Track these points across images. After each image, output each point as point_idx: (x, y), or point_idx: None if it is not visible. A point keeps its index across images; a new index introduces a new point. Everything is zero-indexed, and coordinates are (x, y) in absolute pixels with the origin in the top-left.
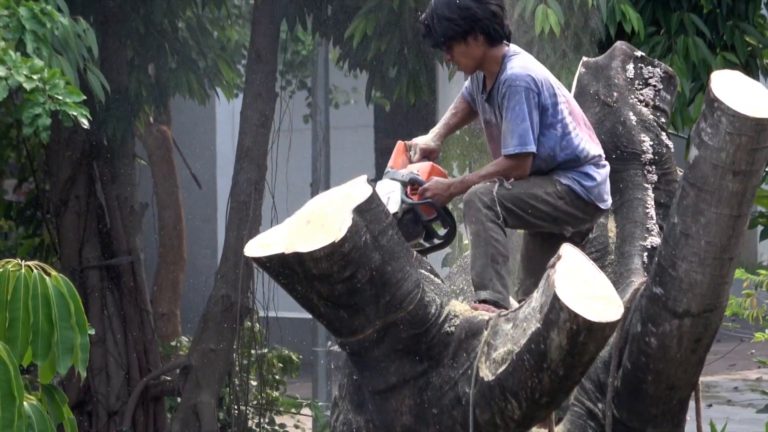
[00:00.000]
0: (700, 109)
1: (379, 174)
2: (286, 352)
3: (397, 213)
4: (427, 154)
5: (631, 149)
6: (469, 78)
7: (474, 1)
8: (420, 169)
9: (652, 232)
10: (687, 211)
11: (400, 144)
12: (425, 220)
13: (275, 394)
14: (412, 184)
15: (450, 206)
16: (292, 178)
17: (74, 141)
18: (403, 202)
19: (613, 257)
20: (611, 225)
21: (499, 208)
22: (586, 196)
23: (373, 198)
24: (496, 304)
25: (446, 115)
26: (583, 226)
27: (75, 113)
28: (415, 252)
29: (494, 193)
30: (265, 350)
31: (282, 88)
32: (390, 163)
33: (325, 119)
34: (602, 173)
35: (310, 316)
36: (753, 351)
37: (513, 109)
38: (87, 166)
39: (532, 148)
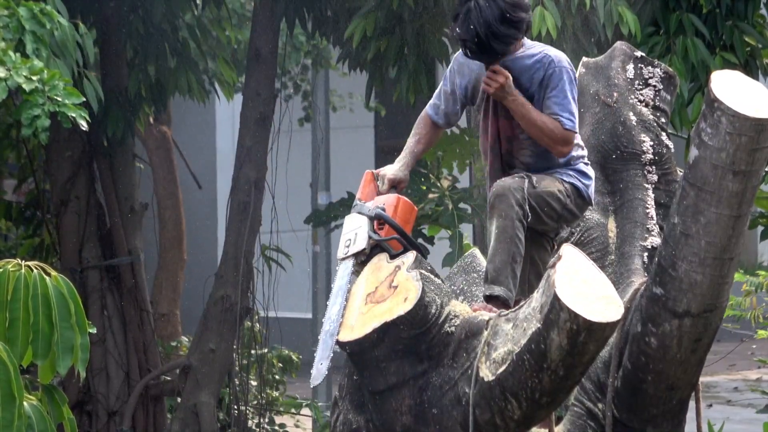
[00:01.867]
0: (698, 110)
1: None
2: (286, 352)
3: (365, 249)
4: (395, 184)
5: (631, 149)
6: (450, 75)
7: (522, 10)
8: (386, 202)
9: (653, 233)
10: (687, 211)
11: (367, 174)
12: (392, 254)
13: (275, 394)
14: (378, 219)
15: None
16: (292, 178)
17: (74, 141)
18: (370, 237)
19: (613, 257)
20: (611, 225)
21: (527, 207)
22: (586, 194)
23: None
24: (506, 303)
25: (410, 143)
26: (575, 223)
27: (74, 114)
28: (416, 254)
29: (525, 191)
30: (265, 350)
31: (283, 87)
32: (358, 194)
33: (325, 120)
34: (592, 171)
35: (310, 316)
36: (754, 346)
37: (563, 89)
38: (87, 166)
39: (578, 135)
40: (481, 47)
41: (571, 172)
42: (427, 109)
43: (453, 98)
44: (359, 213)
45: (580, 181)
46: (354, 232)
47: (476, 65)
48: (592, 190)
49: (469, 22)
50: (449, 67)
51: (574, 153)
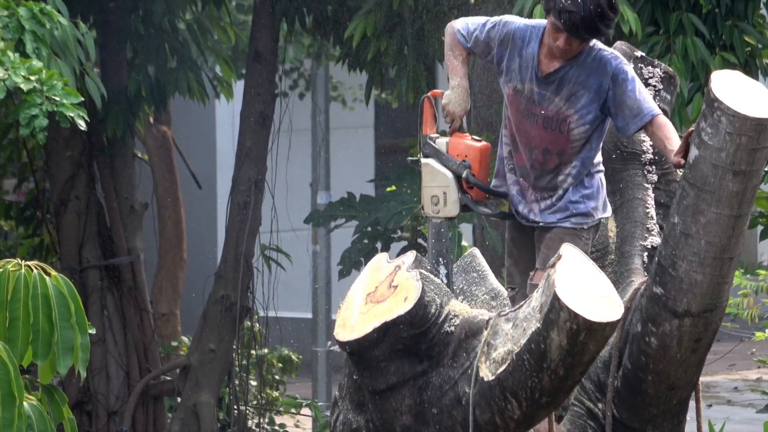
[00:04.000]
0: (698, 109)
1: (377, 174)
2: (286, 352)
3: (459, 214)
4: (460, 117)
5: (631, 149)
6: (495, 35)
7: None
8: (469, 155)
9: (653, 232)
10: (687, 211)
11: (426, 100)
12: (477, 207)
13: (275, 394)
14: (465, 179)
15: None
16: (292, 178)
17: (74, 141)
18: (460, 200)
19: (613, 257)
20: (611, 225)
21: None
22: (600, 218)
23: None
24: None
25: (456, 65)
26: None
27: (72, 114)
28: (416, 254)
29: None
30: (265, 350)
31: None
32: (425, 127)
33: (325, 119)
34: (603, 178)
35: (310, 316)
36: (754, 350)
37: (637, 89)
38: (87, 166)
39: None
40: (586, 24)
41: (587, 207)
42: (459, 34)
43: (485, 50)
44: (443, 165)
45: (594, 212)
46: (442, 190)
47: (530, 51)
48: (602, 202)
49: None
50: (494, 26)
51: (595, 164)
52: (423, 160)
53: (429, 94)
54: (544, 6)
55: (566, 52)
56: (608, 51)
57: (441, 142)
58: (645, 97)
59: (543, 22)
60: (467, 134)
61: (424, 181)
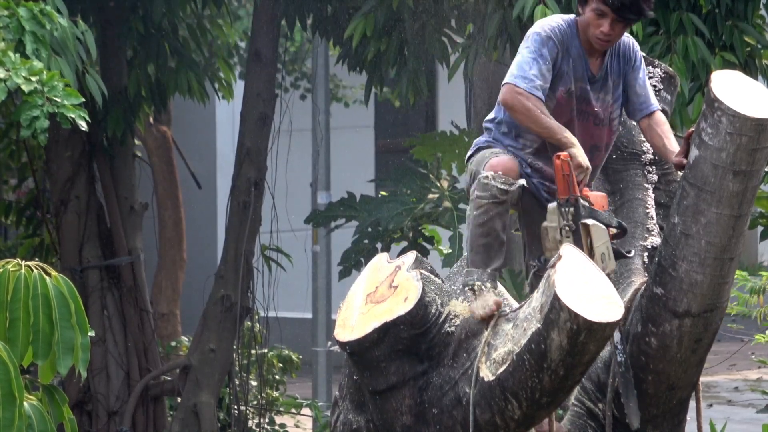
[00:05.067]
0: (699, 109)
1: (377, 174)
2: (286, 352)
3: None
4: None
5: (632, 149)
6: (548, 51)
7: None
8: (606, 205)
9: (653, 232)
10: (687, 211)
11: (563, 164)
12: (619, 247)
13: (275, 394)
14: (618, 228)
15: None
16: (292, 178)
17: (74, 141)
18: (615, 255)
19: None
20: None
21: None
22: None
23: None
24: None
25: (555, 123)
26: None
27: (73, 115)
28: (416, 254)
29: None
30: (265, 350)
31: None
32: (570, 188)
33: (325, 119)
34: None
35: (310, 316)
36: (753, 353)
37: (646, 77)
38: (87, 166)
39: None
40: (633, 4)
41: None
42: (532, 92)
43: (549, 75)
44: (601, 222)
45: None
46: (606, 246)
47: (575, 51)
48: None
49: None
50: (542, 53)
51: None
52: (588, 221)
53: (562, 156)
54: None
55: (609, 39)
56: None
57: (582, 201)
58: (650, 88)
59: (567, 16)
60: (586, 186)
61: (595, 241)
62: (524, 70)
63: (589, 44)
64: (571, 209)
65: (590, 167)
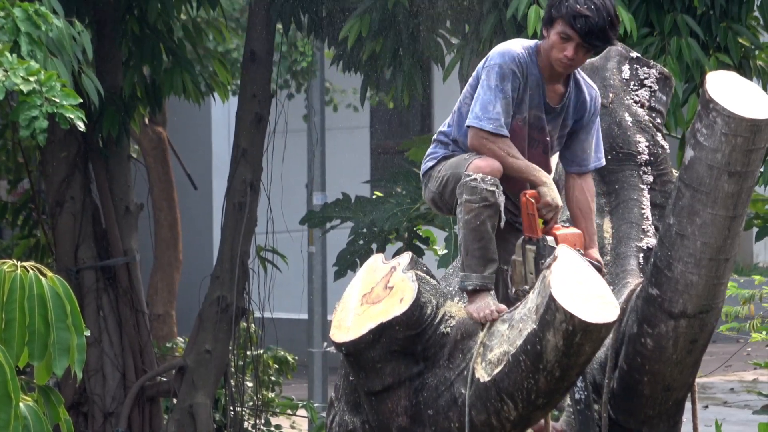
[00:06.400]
0: (693, 110)
1: (372, 175)
2: (282, 352)
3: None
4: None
5: (627, 150)
6: (509, 81)
7: None
8: (579, 243)
9: (648, 233)
10: (682, 212)
11: (529, 203)
12: None
13: (271, 395)
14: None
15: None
16: (287, 179)
17: (69, 142)
18: None
19: (608, 258)
20: (607, 226)
21: None
22: None
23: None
24: None
25: (524, 162)
26: None
27: (72, 116)
28: (411, 255)
29: None
30: (261, 351)
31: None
32: (532, 229)
33: (321, 120)
34: None
35: (305, 317)
36: (749, 349)
37: (598, 131)
38: (82, 166)
39: None
40: (600, 30)
41: None
42: (497, 131)
43: (510, 110)
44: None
45: None
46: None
47: (534, 79)
48: None
49: (598, 5)
50: (501, 75)
51: None
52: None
53: (528, 194)
54: (552, 15)
55: (572, 64)
56: (588, 78)
57: (550, 240)
58: (598, 144)
59: (528, 42)
60: (558, 224)
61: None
62: (488, 110)
63: (549, 70)
64: (534, 248)
65: (560, 205)
